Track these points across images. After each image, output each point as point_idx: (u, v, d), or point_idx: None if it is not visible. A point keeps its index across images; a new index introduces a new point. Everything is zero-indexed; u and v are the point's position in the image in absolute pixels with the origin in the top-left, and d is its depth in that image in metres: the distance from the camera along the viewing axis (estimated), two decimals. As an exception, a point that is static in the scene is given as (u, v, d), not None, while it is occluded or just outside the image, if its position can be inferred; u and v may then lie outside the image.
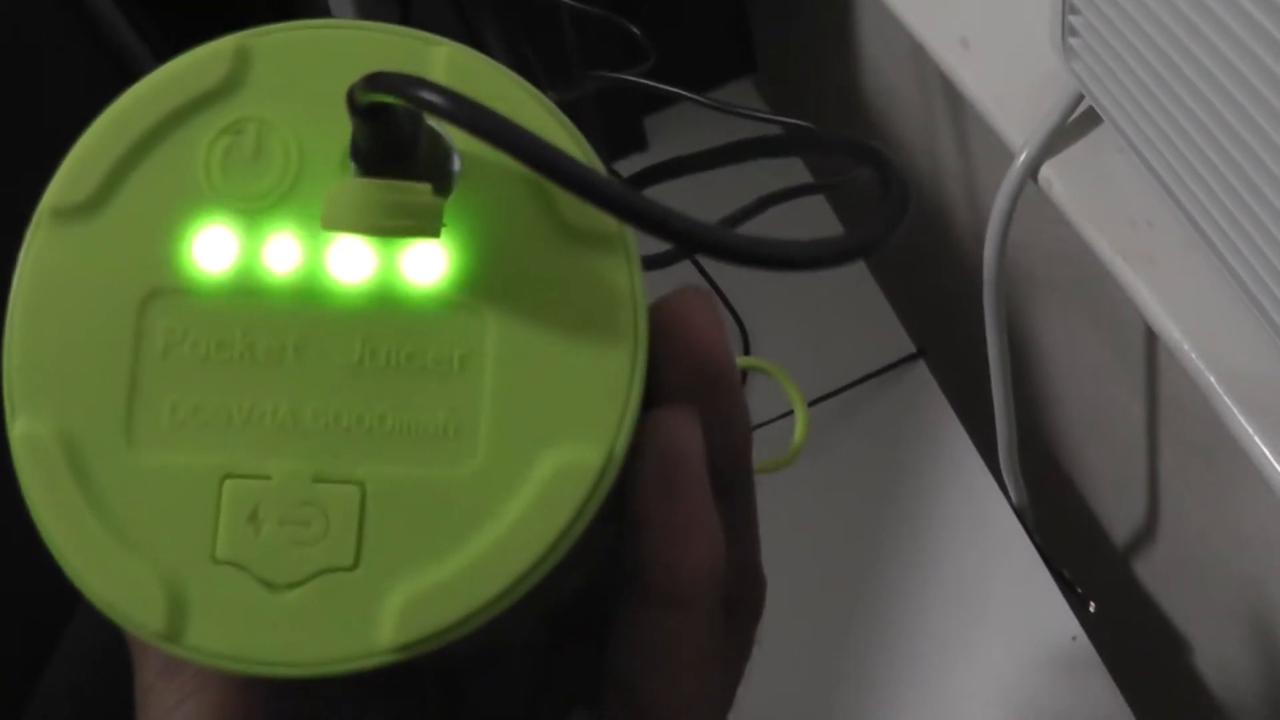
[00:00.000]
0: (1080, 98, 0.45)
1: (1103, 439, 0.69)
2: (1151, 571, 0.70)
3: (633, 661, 0.22)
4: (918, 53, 0.66)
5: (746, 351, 0.73)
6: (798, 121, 0.48)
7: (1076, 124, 0.46)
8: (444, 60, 0.21)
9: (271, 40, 0.21)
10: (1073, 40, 0.42)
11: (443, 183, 0.21)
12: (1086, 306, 0.62)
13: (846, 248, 0.18)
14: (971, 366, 0.63)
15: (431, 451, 0.20)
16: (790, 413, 0.68)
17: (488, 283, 0.21)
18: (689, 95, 0.53)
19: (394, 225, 0.19)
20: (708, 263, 0.72)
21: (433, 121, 0.21)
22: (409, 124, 0.20)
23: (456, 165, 0.21)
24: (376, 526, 0.20)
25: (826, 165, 0.83)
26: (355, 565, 0.20)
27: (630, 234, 0.21)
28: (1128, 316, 0.57)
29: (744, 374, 0.71)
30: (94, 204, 0.21)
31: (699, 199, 0.31)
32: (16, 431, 0.20)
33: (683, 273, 0.70)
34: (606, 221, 0.21)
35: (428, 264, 0.21)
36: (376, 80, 0.18)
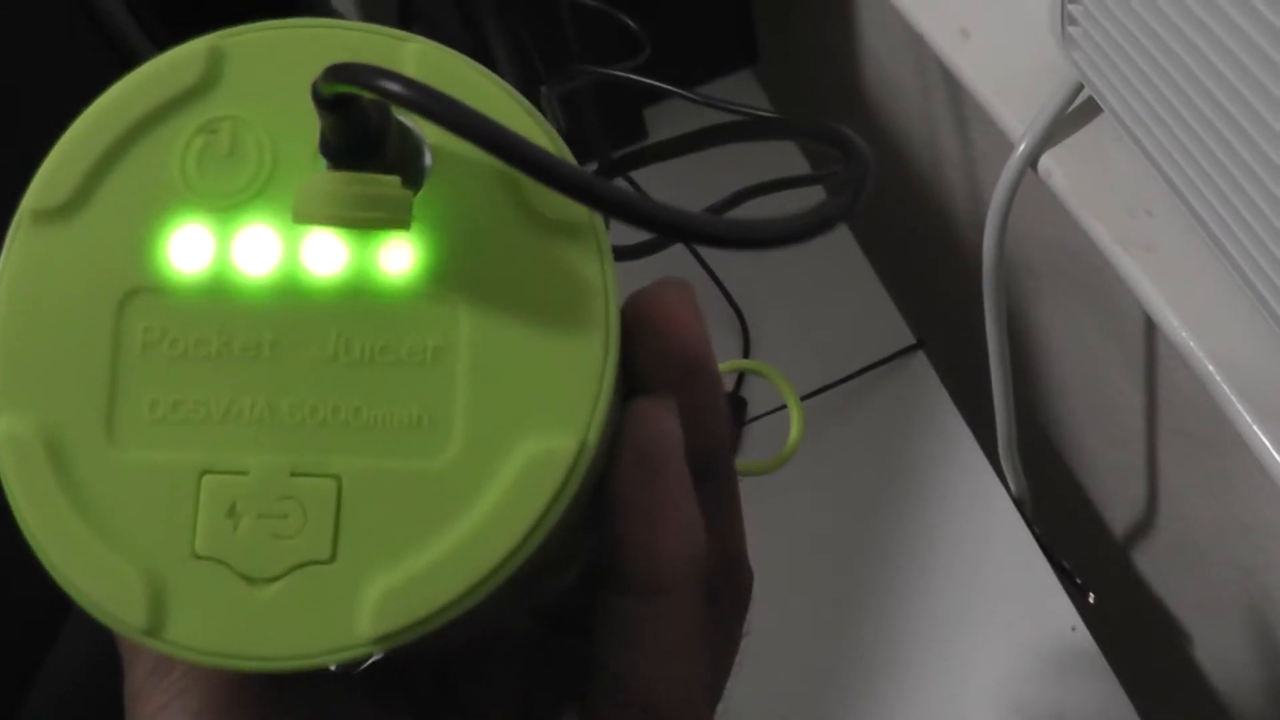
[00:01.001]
0: (1080, 87, 0.45)
1: (1102, 429, 0.70)
2: (1151, 562, 0.70)
3: (615, 650, 0.23)
4: (918, 43, 0.66)
5: (746, 342, 0.73)
6: (769, 113, 0.48)
7: (1076, 113, 0.46)
8: (414, 56, 0.21)
9: (244, 40, 0.21)
10: (1072, 29, 0.42)
11: (413, 176, 0.21)
12: (1086, 297, 0.62)
13: (810, 223, 0.18)
14: (971, 357, 0.63)
15: (406, 443, 0.21)
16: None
17: (460, 275, 0.21)
18: (675, 90, 0.53)
19: (364, 217, 0.19)
20: (706, 253, 0.72)
21: (402, 116, 0.21)
22: (377, 117, 0.20)
23: (428, 159, 0.21)
24: (353, 519, 0.20)
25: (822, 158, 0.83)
26: (333, 558, 0.20)
27: (601, 225, 0.21)
28: (1127, 306, 0.57)
29: (740, 375, 0.71)
30: (72, 206, 0.21)
31: (682, 192, 0.31)
32: None
33: (681, 263, 0.70)
34: (577, 213, 0.21)
35: (400, 257, 0.21)
36: (339, 72, 0.19)
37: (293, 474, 0.20)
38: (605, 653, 0.23)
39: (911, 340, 0.72)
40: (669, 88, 0.53)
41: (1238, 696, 0.66)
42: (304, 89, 0.20)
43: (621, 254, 0.27)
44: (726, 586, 0.26)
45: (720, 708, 0.26)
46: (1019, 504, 0.66)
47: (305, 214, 0.20)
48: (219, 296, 0.21)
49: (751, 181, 0.33)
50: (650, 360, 0.22)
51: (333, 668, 0.21)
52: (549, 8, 0.69)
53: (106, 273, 0.21)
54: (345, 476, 0.20)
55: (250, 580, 0.20)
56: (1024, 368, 0.75)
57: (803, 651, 0.64)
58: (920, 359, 0.72)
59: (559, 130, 0.71)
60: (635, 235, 0.21)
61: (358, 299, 0.21)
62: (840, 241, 0.76)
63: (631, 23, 0.62)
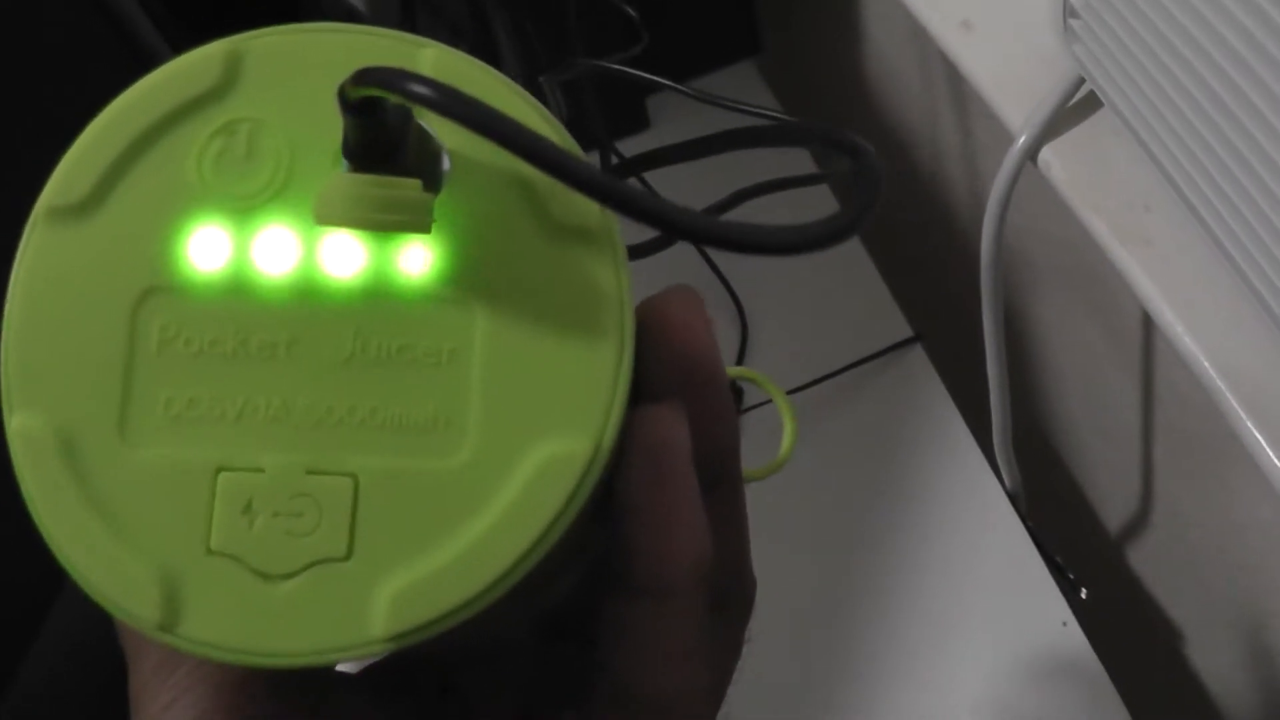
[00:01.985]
0: (1081, 81, 0.45)
1: (1098, 425, 0.70)
2: (1144, 558, 0.70)
3: (620, 653, 0.23)
4: (920, 35, 0.66)
5: (745, 332, 0.73)
6: (774, 113, 0.48)
7: (1076, 107, 0.46)
8: (431, 61, 0.22)
9: (262, 43, 0.22)
10: (1073, 22, 0.42)
11: (432, 181, 0.21)
12: (1084, 293, 0.62)
13: (818, 234, 0.18)
14: (968, 351, 0.63)
15: (422, 443, 0.21)
16: (789, 393, 0.68)
17: (476, 278, 0.21)
18: (668, 84, 0.53)
19: (385, 219, 0.19)
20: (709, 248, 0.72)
21: (422, 121, 0.21)
22: (398, 121, 0.20)
23: (446, 164, 0.21)
24: (369, 518, 0.20)
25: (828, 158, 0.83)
26: (348, 556, 0.20)
27: (616, 231, 0.22)
28: (1125, 303, 0.57)
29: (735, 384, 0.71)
30: (89, 204, 0.21)
31: (686, 185, 0.31)
32: (13, 427, 0.20)
33: (680, 253, 0.70)
34: (592, 218, 0.21)
35: (418, 260, 0.21)
36: (367, 75, 0.19)
37: (308, 472, 0.21)
38: (608, 655, 0.23)
39: (909, 333, 0.72)
40: (663, 81, 0.53)
41: (1229, 694, 0.66)
42: (320, 93, 0.20)
43: (630, 253, 0.28)
44: (730, 593, 0.26)
45: (721, 713, 0.26)
46: (1013, 498, 0.66)
47: (328, 215, 0.20)
48: (235, 296, 0.21)
49: (753, 178, 0.33)
50: (660, 367, 0.23)
51: (347, 665, 0.21)
52: (552, -2, 0.69)
53: (123, 271, 0.21)
54: (361, 475, 0.21)
55: (265, 577, 0.20)
56: (1021, 362, 0.75)
57: (794, 642, 0.64)
58: (918, 352, 0.72)
59: (561, 118, 0.71)
60: (641, 234, 0.22)
61: (375, 300, 0.21)
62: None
63: (632, 12, 0.62)
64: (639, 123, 0.82)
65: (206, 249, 0.21)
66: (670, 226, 0.18)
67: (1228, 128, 0.35)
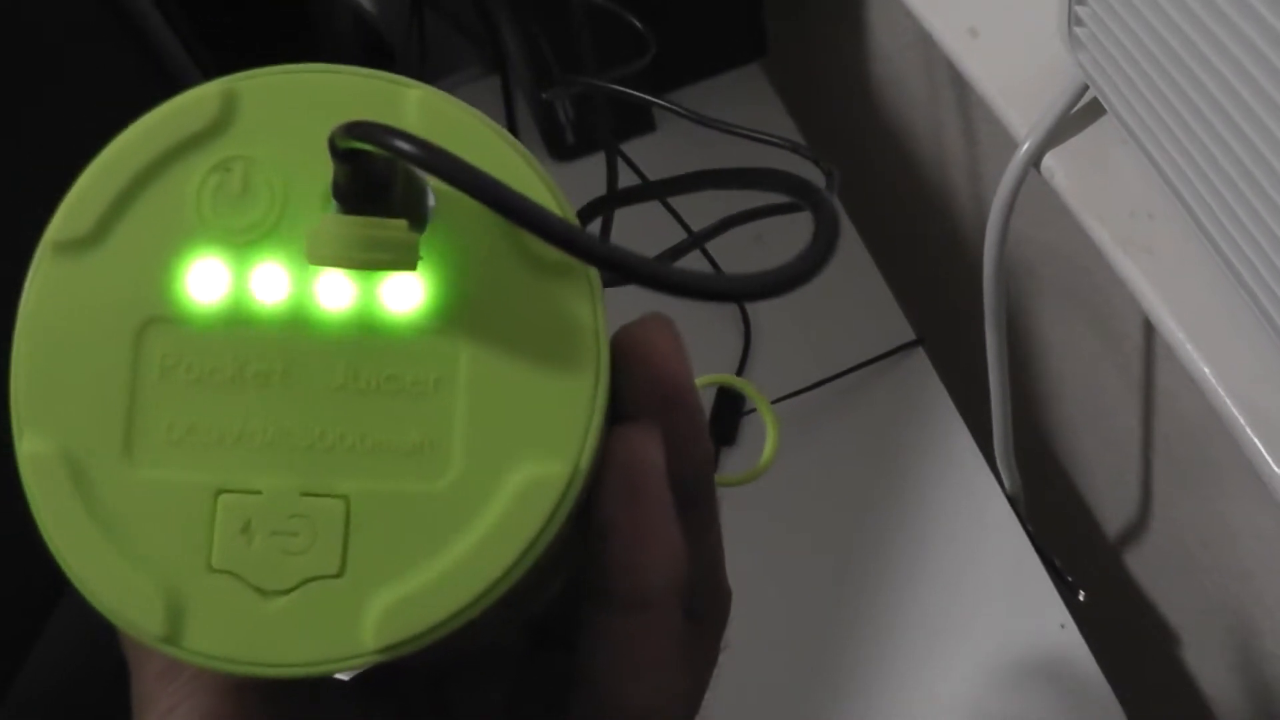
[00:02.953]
0: (1085, 88, 0.45)
1: (1098, 431, 0.70)
2: (1142, 562, 0.71)
3: (598, 663, 0.24)
4: (926, 41, 0.66)
5: (747, 335, 0.73)
6: (762, 133, 0.49)
7: (1080, 114, 0.47)
8: (416, 103, 0.23)
9: (256, 84, 0.23)
10: (1078, 30, 0.42)
11: (418, 217, 0.22)
12: (1087, 300, 0.62)
13: (776, 280, 0.20)
14: (970, 356, 0.63)
15: (409, 467, 0.22)
16: (786, 396, 0.69)
17: (461, 310, 0.22)
18: (656, 101, 0.54)
19: (373, 259, 0.20)
20: (712, 250, 0.72)
21: None
22: (385, 164, 0.21)
23: (431, 201, 0.22)
24: (360, 537, 0.22)
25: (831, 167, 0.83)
26: (341, 573, 0.22)
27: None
28: (1126, 310, 0.57)
29: (741, 363, 0.71)
30: (93, 238, 0.22)
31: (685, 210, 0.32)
32: (23, 450, 0.22)
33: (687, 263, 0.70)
34: None
35: (405, 293, 0.22)
36: (354, 129, 0.20)
37: (303, 494, 0.22)
38: (588, 664, 0.24)
39: (912, 336, 0.72)
40: (656, 101, 0.54)
41: (1224, 697, 0.67)
42: (312, 131, 0.21)
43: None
44: (707, 604, 0.27)
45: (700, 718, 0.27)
46: (1013, 502, 0.66)
47: (318, 256, 0.21)
48: (233, 327, 0.22)
49: (744, 203, 0.34)
50: (636, 390, 0.24)
51: (343, 676, 0.22)
52: (561, 3, 0.69)
53: (126, 302, 0.22)
54: (353, 497, 0.22)
55: (263, 592, 0.21)
56: (1022, 368, 0.75)
57: (793, 642, 0.64)
58: (920, 356, 0.72)
59: (568, 121, 0.71)
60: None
61: (365, 331, 0.22)
62: (844, 236, 0.77)
63: (638, 22, 0.63)
64: (646, 125, 0.82)
65: (205, 281, 0.22)
66: (632, 275, 0.19)
67: (1230, 136, 0.36)
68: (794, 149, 0.49)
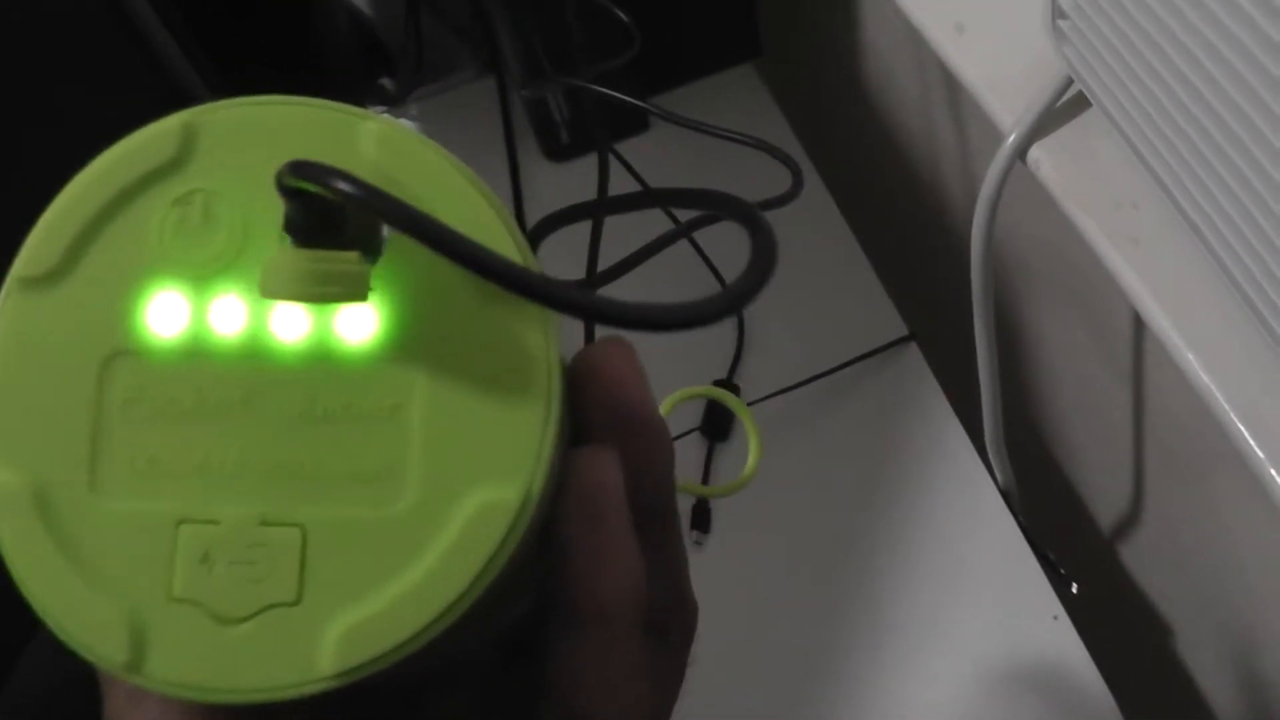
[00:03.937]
0: (1070, 81, 0.46)
1: (1089, 424, 0.70)
2: (1134, 554, 0.71)
3: (564, 678, 0.24)
4: (916, 37, 0.67)
5: (741, 331, 0.73)
6: (744, 136, 0.50)
7: (1066, 107, 0.47)
8: (373, 136, 0.23)
9: (215, 117, 0.23)
10: (1062, 24, 0.42)
11: (371, 248, 0.23)
12: (1076, 294, 0.63)
13: (708, 311, 0.20)
14: (962, 350, 0.63)
15: (366, 493, 0.22)
16: (779, 392, 0.69)
17: (415, 339, 0.23)
18: (638, 103, 0.55)
19: (324, 292, 0.21)
20: (702, 242, 0.73)
21: None
22: (335, 200, 0.22)
23: (385, 231, 0.23)
24: (316, 564, 0.22)
25: (826, 163, 0.84)
26: (298, 600, 0.22)
27: None
28: (1115, 304, 0.57)
29: (736, 357, 0.71)
30: (57, 274, 0.23)
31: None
32: None
33: (679, 251, 0.71)
34: None
35: (360, 323, 0.23)
36: (298, 169, 0.21)
37: (262, 523, 0.22)
38: (553, 680, 0.25)
39: (904, 332, 0.73)
40: (628, 99, 0.55)
41: (1216, 688, 0.67)
42: (271, 164, 0.22)
43: (607, 275, 0.29)
44: (672, 620, 0.28)
45: None
46: (1006, 495, 0.67)
47: (270, 290, 0.21)
48: (194, 359, 0.23)
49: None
50: (594, 412, 0.25)
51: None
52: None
53: (90, 336, 0.22)
54: (309, 525, 0.22)
55: (222, 620, 0.22)
56: (1014, 362, 0.76)
57: (785, 635, 0.64)
58: (912, 350, 0.72)
59: (562, 121, 0.71)
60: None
61: (321, 361, 0.23)
62: (836, 232, 0.77)
63: (624, 18, 0.63)
64: (639, 125, 0.82)
65: (166, 315, 0.23)
66: (573, 310, 0.20)
67: (1213, 127, 0.36)
68: (764, 149, 0.50)
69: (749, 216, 0.23)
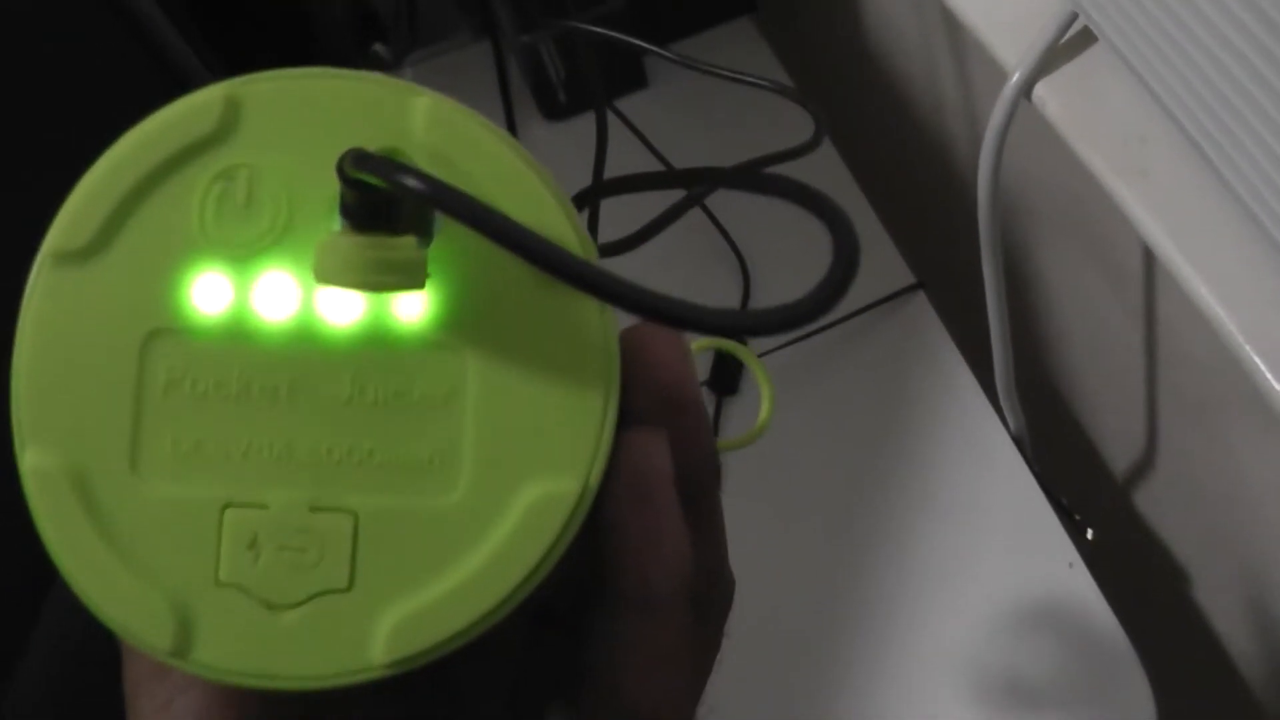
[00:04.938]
0: (1074, 17, 0.45)
1: (1101, 368, 0.70)
2: (1149, 499, 0.71)
3: (610, 661, 0.24)
4: (916, -19, 0.66)
5: (747, 283, 0.73)
6: (752, 76, 0.49)
7: (1070, 44, 0.46)
8: (424, 111, 0.22)
9: (260, 89, 0.22)
10: (1066, -46, 0.42)
11: (425, 231, 0.22)
12: (1086, 235, 0.62)
13: (789, 318, 0.20)
14: (971, 297, 0.63)
15: (418, 482, 0.22)
16: (787, 344, 0.68)
17: (469, 325, 0.22)
18: (646, 46, 0.53)
19: (382, 280, 0.20)
20: (710, 199, 0.72)
21: None
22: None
23: (438, 213, 0.22)
24: (369, 552, 0.22)
25: (836, 122, 0.83)
26: (350, 587, 0.22)
27: None
28: (1125, 242, 0.57)
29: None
30: (94, 248, 0.22)
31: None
32: (26, 464, 0.21)
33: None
34: None
35: (413, 308, 0.22)
36: (364, 162, 0.20)
37: (311, 509, 0.22)
38: (597, 663, 0.24)
39: (912, 280, 0.72)
40: (644, 44, 0.53)
41: (1234, 632, 0.67)
42: (318, 140, 0.21)
43: (623, 246, 0.28)
44: (710, 596, 0.27)
45: (702, 710, 0.27)
46: (1018, 442, 0.66)
47: (326, 276, 0.21)
48: (238, 340, 0.22)
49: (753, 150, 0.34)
50: (642, 395, 0.24)
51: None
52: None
53: (130, 313, 0.22)
54: (361, 512, 0.22)
55: (271, 606, 0.21)
56: (1024, 307, 0.75)
57: (800, 583, 0.64)
58: (920, 299, 0.72)
59: (558, 79, 0.70)
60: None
61: (372, 345, 0.22)
62: (840, 182, 0.76)
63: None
64: (637, 82, 0.81)
65: (209, 294, 0.22)
66: (641, 310, 0.19)
67: (1223, 53, 0.35)
68: (783, 92, 0.48)
69: (826, 209, 0.22)
